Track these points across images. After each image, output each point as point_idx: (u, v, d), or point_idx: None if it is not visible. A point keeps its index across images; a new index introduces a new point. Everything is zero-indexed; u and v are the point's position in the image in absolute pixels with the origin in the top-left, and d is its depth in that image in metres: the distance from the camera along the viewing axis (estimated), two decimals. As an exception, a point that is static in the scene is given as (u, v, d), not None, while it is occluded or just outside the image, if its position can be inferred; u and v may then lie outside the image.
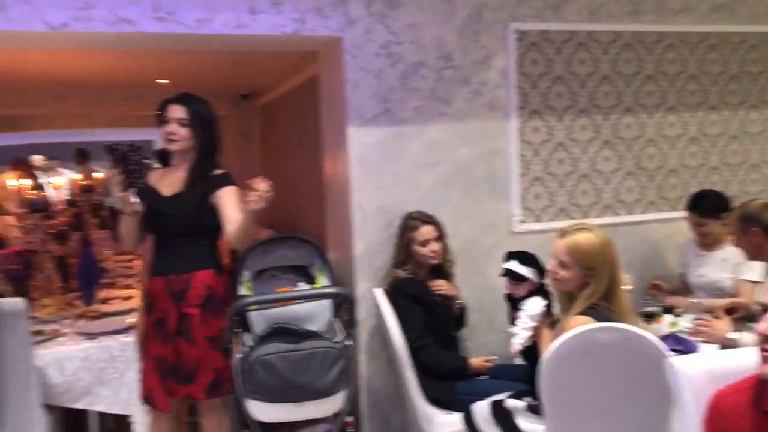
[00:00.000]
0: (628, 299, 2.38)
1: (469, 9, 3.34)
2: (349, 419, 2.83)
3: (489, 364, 2.97)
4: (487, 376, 2.99)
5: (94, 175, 8.44)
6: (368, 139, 3.25)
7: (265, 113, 7.16)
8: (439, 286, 3.08)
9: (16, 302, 2.79)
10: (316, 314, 2.93)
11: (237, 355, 2.67)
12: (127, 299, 3.85)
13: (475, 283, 3.41)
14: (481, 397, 2.67)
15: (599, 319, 2.19)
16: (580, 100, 3.59)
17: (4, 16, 2.70)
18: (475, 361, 2.98)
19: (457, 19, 3.34)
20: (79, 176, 8.59)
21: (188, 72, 5.68)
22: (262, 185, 2.40)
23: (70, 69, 5.53)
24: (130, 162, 2.59)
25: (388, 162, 3.28)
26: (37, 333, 3.11)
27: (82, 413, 3.11)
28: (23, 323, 2.80)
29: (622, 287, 2.33)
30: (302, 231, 4.16)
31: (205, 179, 2.71)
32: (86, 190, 7.92)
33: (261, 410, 2.61)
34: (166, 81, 6.22)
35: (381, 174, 3.27)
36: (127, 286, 4.26)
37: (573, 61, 3.55)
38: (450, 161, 3.38)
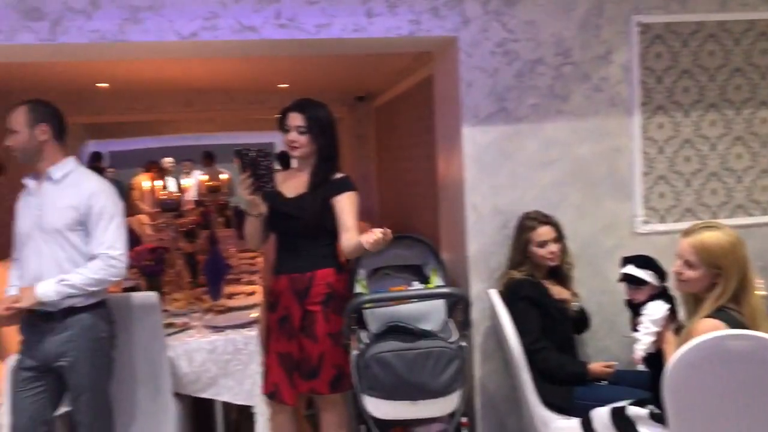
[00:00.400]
0: (762, 304, 2.23)
1: (589, 3, 3.25)
2: (464, 420, 2.82)
3: (609, 370, 2.88)
4: (607, 382, 2.89)
5: (220, 176, 8.86)
6: (483, 139, 3.22)
7: (379, 115, 7.26)
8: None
9: (150, 296, 2.98)
10: (431, 314, 2.94)
11: (353, 352, 2.73)
12: (250, 295, 4.02)
13: (595, 286, 3.30)
14: (601, 404, 2.59)
15: (730, 323, 2.07)
16: (709, 95, 3.39)
17: (140, 28, 2.89)
18: (595, 366, 2.89)
19: (577, 14, 3.25)
20: (206, 177, 9.06)
21: (306, 76, 5.85)
22: (380, 235, 2.41)
23: (198, 76, 5.85)
24: (259, 166, 2.69)
25: (504, 161, 3.24)
26: (169, 325, 3.31)
27: (209, 402, 3.27)
28: (156, 316, 2.99)
29: (754, 291, 2.19)
30: (416, 231, 4.19)
31: (326, 182, 2.79)
32: (212, 190, 8.35)
33: (376, 407, 2.65)
34: (286, 85, 6.43)
35: (496, 173, 3.24)
36: (251, 282, 4.45)
37: (701, 54, 3.36)
38: (568, 159, 3.29)
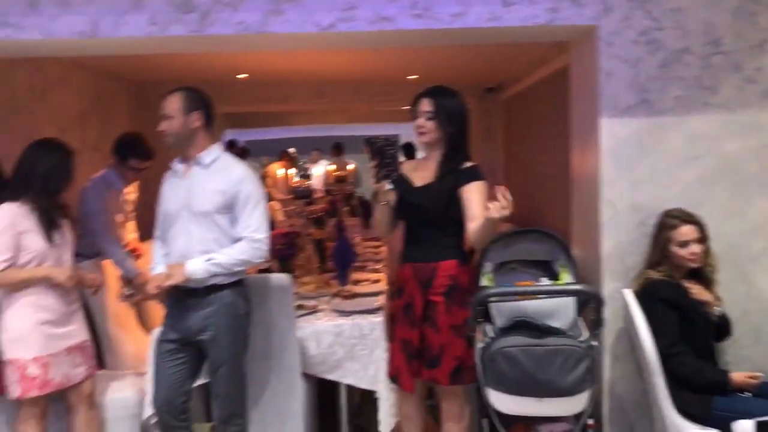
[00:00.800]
0: None
1: (744, -12, 3.03)
2: (591, 422, 2.73)
3: (754, 381, 2.69)
4: (750, 394, 2.70)
5: (347, 167, 9.07)
6: (622, 131, 3.09)
7: (509, 106, 7.14)
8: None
9: (284, 278, 3.10)
10: (559, 311, 2.86)
11: (478, 345, 2.71)
12: (375, 282, 4.09)
13: (740, 292, 3.09)
14: (743, 416, 2.43)
15: None
16: None
17: (281, 19, 2.99)
18: (738, 376, 2.70)
19: (730, 1, 3.04)
20: (333, 167, 9.30)
21: (436, 67, 5.85)
22: (504, 196, 2.39)
23: (329, 68, 5.99)
24: (385, 155, 2.73)
25: (644, 156, 3.09)
26: (299, 307, 3.43)
27: (333, 384, 3.37)
28: (289, 297, 3.10)
29: None
30: (544, 225, 4.08)
31: (454, 172, 2.77)
32: (339, 180, 8.56)
33: (500, 401, 2.62)
34: (415, 76, 6.46)
35: (635, 168, 3.09)
36: (375, 270, 4.53)
37: None
38: (715, 155, 3.09)
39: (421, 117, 2.81)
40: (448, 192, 2.73)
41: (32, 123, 4.63)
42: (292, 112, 10.81)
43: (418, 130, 2.82)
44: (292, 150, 9.46)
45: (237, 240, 2.74)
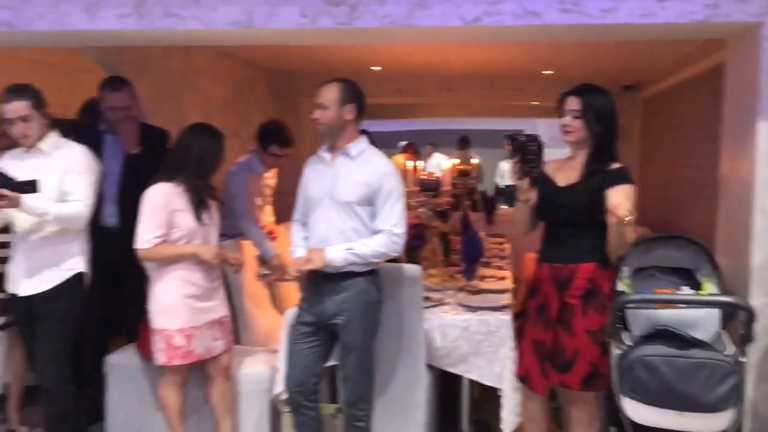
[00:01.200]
0: None
1: None
2: (730, 442, 2.57)
3: None
4: None
5: (471, 161, 9.00)
6: (783, 136, 2.88)
7: (648, 105, 6.85)
8: None
9: (415, 269, 3.14)
10: (701, 322, 2.71)
11: (615, 351, 2.62)
12: (501, 279, 4.05)
13: None
14: None
15: None
16: None
17: (427, 13, 3.00)
18: None
19: None
20: (457, 161, 9.26)
21: (572, 62, 5.70)
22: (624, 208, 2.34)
23: (461, 62, 5.98)
24: (528, 151, 2.69)
25: (807, 163, 2.87)
26: (425, 299, 3.45)
27: (455, 378, 3.37)
28: (418, 288, 3.14)
29: None
30: (682, 231, 3.89)
31: (601, 172, 2.70)
32: (463, 174, 8.51)
33: (636, 410, 2.52)
34: (550, 72, 6.33)
35: (794, 176, 2.88)
36: (500, 267, 4.49)
37: None
38: None
39: (567, 115, 2.75)
40: (593, 193, 2.66)
41: (180, 108, 4.93)
42: (413, 105, 10.87)
43: (564, 128, 2.76)
44: (403, 143, 9.50)
45: (375, 232, 2.80)
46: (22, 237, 3.08)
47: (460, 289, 3.74)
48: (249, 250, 3.90)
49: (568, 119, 2.75)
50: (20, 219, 3.02)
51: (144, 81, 4.39)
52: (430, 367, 3.25)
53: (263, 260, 3.91)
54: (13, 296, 3.15)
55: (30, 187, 2.86)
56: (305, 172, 2.99)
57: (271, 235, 4.12)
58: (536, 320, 2.82)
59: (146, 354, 3.23)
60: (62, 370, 3.10)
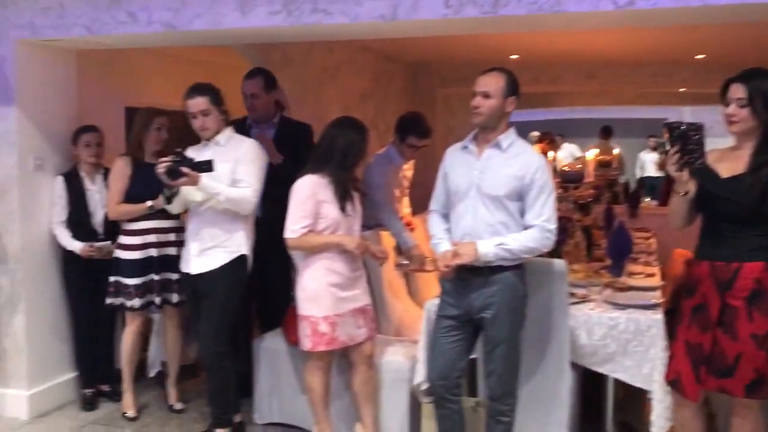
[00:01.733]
0: None
1: None
2: None
3: None
4: None
5: (613, 151, 8.64)
6: None
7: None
8: None
9: (561, 263, 3.05)
10: None
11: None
12: (650, 276, 3.86)
13: None
14: None
15: None
16: None
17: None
18: None
19: None
20: (596, 151, 8.92)
21: (728, 45, 5.31)
22: None
23: (605, 48, 5.73)
24: (688, 141, 2.52)
25: None
26: (570, 295, 3.34)
27: (600, 377, 3.24)
28: (563, 283, 3.04)
29: None
30: None
31: None
32: (603, 165, 8.17)
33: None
34: (703, 56, 5.93)
35: None
36: (647, 263, 4.27)
37: None
38: None
39: (732, 104, 2.54)
40: (764, 186, 2.46)
41: (321, 101, 5.07)
42: (550, 93, 10.58)
43: (729, 118, 2.56)
44: (534, 133, 9.26)
45: (526, 227, 2.73)
46: (195, 219, 3.34)
47: (606, 286, 3.59)
48: (387, 241, 3.95)
49: (733, 108, 2.55)
50: (196, 198, 3.27)
51: (288, 76, 4.56)
52: (574, 365, 3.15)
53: (401, 250, 3.95)
54: (185, 275, 3.42)
55: (206, 166, 3.12)
56: (446, 162, 2.95)
57: (408, 227, 4.15)
58: (691, 321, 2.64)
59: (291, 339, 3.36)
60: (220, 347, 3.31)
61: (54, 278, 3.88)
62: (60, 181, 3.79)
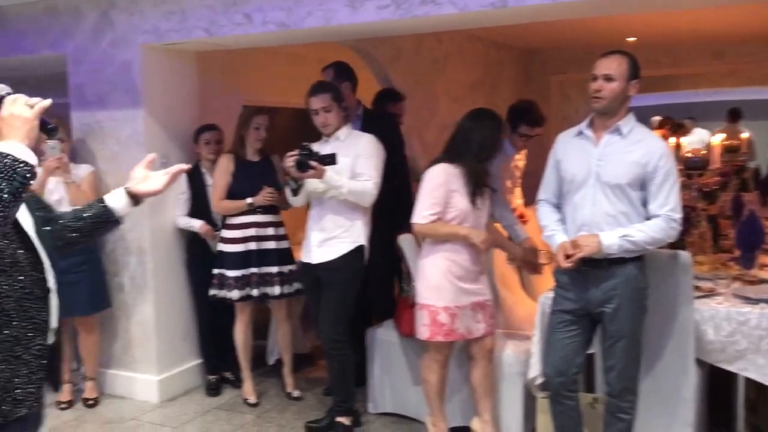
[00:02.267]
0: None
1: None
2: None
3: None
4: None
5: (741, 135, 8.10)
6: None
7: None
8: None
9: (685, 255, 2.89)
10: None
11: None
12: (786, 269, 3.59)
13: None
14: None
15: None
16: None
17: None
18: None
19: None
20: (723, 136, 8.38)
21: None
22: None
23: (732, 24, 5.36)
24: None
25: None
26: (694, 288, 3.16)
27: (728, 375, 3.06)
28: (688, 276, 2.89)
29: None
30: None
31: None
32: (730, 150, 7.68)
33: None
34: None
35: None
36: (784, 256, 3.97)
37: None
38: None
39: None
40: None
41: (430, 92, 5.05)
42: (672, 75, 10.02)
43: None
44: (656, 118, 8.77)
45: (649, 217, 2.61)
46: (317, 208, 3.44)
47: (735, 279, 3.39)
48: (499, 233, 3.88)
49: None
50: (318, 190, 3.37)
51: (398, 69, 4.58)
52: (700, 362, 2.98)
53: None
54: (305, 264, 3.52)
55: (330, 159, 3.21)
56: (557, 149, 2.84)
57: (521, 219, 4.05)
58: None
59: (403, 330, 3.38)
60: (339, 335, 3.40)
61: (179, 270, 4.11)
62: (183, 177, 3.99)
